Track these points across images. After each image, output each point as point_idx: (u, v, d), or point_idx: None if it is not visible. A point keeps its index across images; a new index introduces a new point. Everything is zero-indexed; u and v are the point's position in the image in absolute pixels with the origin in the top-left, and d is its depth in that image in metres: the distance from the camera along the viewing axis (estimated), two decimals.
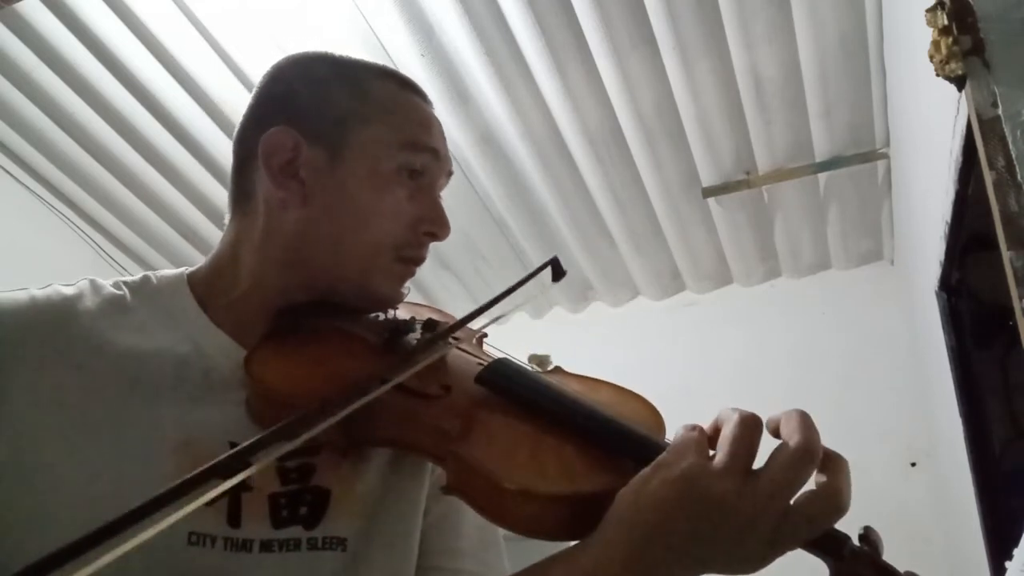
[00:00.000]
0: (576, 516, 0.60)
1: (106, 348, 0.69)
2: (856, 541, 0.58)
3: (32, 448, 0.63)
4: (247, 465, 0.50)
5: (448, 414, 0.66)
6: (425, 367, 0.70)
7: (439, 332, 0.72)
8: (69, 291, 0.73)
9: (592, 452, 0.63)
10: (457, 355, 0.76)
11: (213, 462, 0.49)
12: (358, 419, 0.66)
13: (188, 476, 0.47)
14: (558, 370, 0.80)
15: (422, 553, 0.75)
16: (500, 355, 0.76)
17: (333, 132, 0.74)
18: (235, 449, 0.51)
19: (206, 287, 0.77)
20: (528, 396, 0.69)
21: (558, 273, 0.79)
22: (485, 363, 0.73)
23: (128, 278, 0.78)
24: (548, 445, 0.64)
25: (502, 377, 0.71)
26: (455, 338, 0.77)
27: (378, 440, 0.70)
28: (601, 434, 0.65)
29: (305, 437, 0.54)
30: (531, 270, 0.79)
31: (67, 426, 0.64)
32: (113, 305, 0.73)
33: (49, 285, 0.73)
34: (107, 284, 0.75)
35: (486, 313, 0.73)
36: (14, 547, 0.60)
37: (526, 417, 0.67)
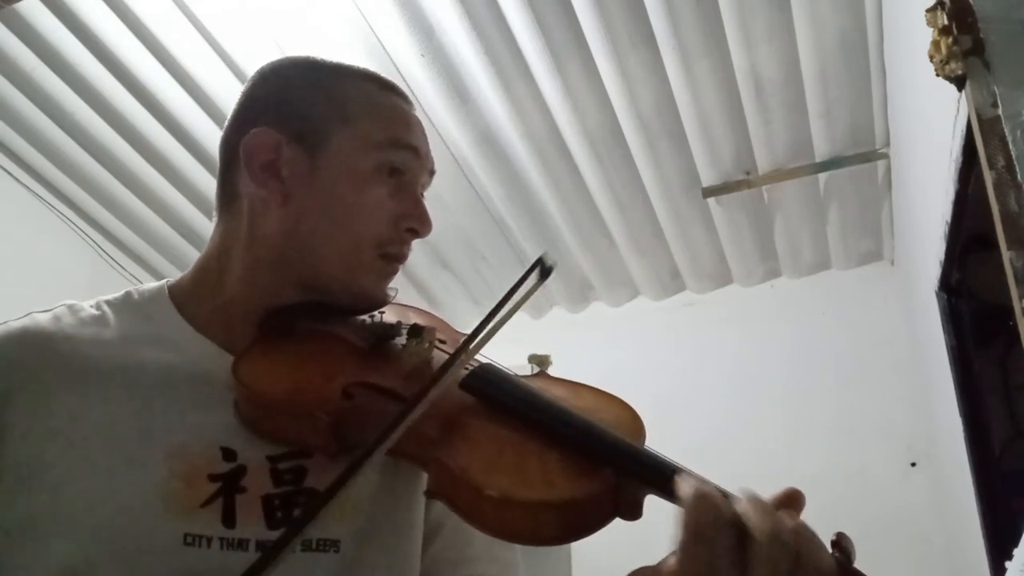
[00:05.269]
0: (556, 523, 0.60)
1: (90, 366, 0.69)
2: (829, 548, 0.57)
3: (31, 467, 0.64)
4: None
5: (431, 419, 0.66)
6: (411, 370, 0.71)
7: (459, 349, 0.71)
8: (45, 317, 0.73)
9: (573, 459, 0.64)
10: (442, 359, 0.75)
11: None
12: (347, 424, 0.67)
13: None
14: (542, 375, 0.80)
15: (440, 564, 0.76)
16: (486, 360, 0.77)
17: (313, 132, 0.76)
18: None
19: (191, 294, 0.78)
20: (511, 403, 0.69)
21: (545, 272, 0.77)
22: (470, 368, 0.73)
23: (108, 297, 0.78)
24: (529, 452, 0.65)
25: (486, 383, 0.71)
26: (441, 340, 0.78)
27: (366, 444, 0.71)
28: (581, 441, 0.65)
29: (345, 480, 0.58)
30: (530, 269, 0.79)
31: (61, 447, 0.65)
32: (93, 324, 0.74)
33: (27, 315, 0.73)
34: (85, 305, 0.76)
35: (494, 321, 0.72)
36: (16, 555, 0.62)
37: (509, 423, 0.67)
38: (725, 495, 0.57)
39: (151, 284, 0.80)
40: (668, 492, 0.59)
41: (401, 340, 0.75)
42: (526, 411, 0.68)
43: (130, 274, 3.14)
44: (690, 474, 0.60)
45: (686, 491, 0.56)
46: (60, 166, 2.82)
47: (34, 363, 0.68)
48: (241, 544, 0.65)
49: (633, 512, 0.63)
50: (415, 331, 0.76)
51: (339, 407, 0.67)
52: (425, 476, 0.76)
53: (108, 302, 0.77)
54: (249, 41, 2.34)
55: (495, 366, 0.75)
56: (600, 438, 0.65)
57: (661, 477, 0.60)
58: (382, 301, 0.79)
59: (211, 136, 2.65)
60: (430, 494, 0.64)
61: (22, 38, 2.39)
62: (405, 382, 0.70)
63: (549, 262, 0.77)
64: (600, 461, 0.63)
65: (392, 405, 0.67)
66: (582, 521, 0.61)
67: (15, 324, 0.72)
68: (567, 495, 0.61)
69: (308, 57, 0.82)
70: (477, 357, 0.74)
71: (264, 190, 0.75)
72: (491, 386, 0.71)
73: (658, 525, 0.62)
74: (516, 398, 0.70)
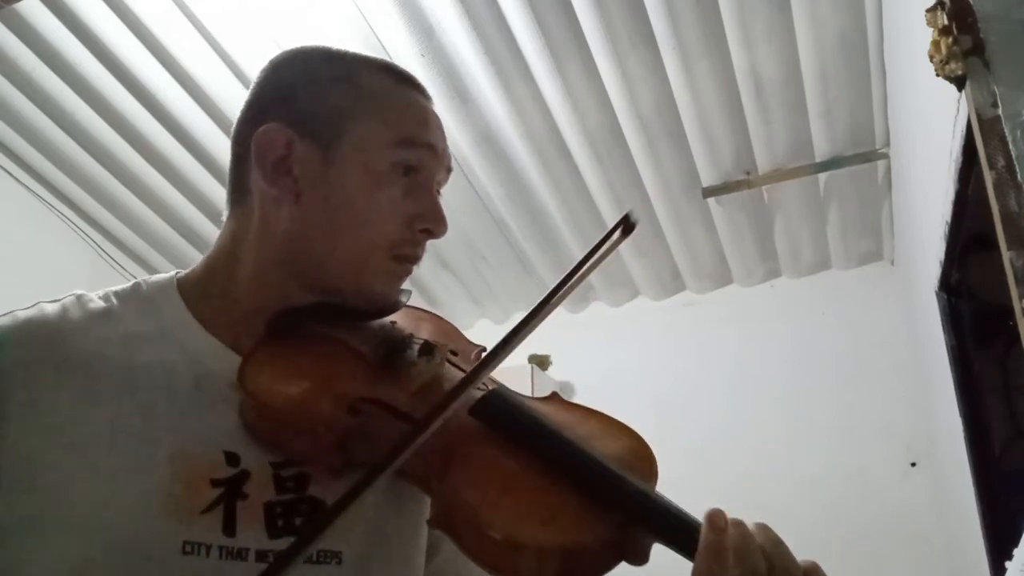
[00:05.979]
0: (560, 567, 0.59)
1: (96, 363, 0.68)
2: None
3: (32, 466, 0.62)
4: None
5: (438, 445, 0.63)
6: (421, 388, 0.69)
7: (480, 364, 0.68)
8: (53, 308, 0.71)
9: (582, 501, 0.61)
10: (455, 377, 0.72)
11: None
12: (352, 440, 0.66)
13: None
14: (555, 398, 0.77)
15: None
16: (498, 384, 0.74)
17: (326, 128, 0.73)
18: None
19: (199, 289, 0.76)
20: (522, 434, 0.66)
21: (629, 228, 0.73)
22: (481, 391, 0.70)
23: (118, 288, 0.76)
24: (538, 490, 0.62)
25: (498, 411, 0.68)
26: (453, 352, 0.76)
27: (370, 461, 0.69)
28: (592, 481, 0.62)
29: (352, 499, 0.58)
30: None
31: (63, 447, 0.63)
32: (101, 318, 0.71)
33: (35, 304, 0.71)
34: (94, 296, 0.74)
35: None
36: (14, 554, 0.61)
37: (518, 456, 0.65)
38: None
39: (160, 276, 0.78)
40: (680, 545, 0.58)
41: (412, 353, 0.72)
42: (537, 444, 0.66)
43: (130, 274, 3.14)
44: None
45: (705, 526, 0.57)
46: (60, 166, 2.82)
47: (37, 358, 0.66)
48: (240, 554, 0.64)
49: (640, 558, 0.61)
50: (427, 348, 0.73)
51: (345, 424, 0.66)
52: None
53: (116, 293, 0.75)
54: (249, 41, 2.35)
55: (507, 391, 0.72)
56: (611, 480, 0.62)
57: (673, 529, 0.59)
58: (394, 303, 0.76)
59: (211, 136, 2.66)
60: (432, 524, 0.62)
61: (22, 38, 2.39)
62: (414, 400, 0.67)
63: (633, 218, 0.74)
64: (610, 505, 0.61)
65: (399, 423, 0.65)
66: (587, 567, 0.59)
67: (22, 315, 0.70)
68: (572, 540, 0.59)
69: (322, 48, 0.79)
70: (488, 380, 0.71)
71: (275, 188, 0.73)
72: (502, 415, 0.68)
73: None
74: (527, 429, 0.67)
